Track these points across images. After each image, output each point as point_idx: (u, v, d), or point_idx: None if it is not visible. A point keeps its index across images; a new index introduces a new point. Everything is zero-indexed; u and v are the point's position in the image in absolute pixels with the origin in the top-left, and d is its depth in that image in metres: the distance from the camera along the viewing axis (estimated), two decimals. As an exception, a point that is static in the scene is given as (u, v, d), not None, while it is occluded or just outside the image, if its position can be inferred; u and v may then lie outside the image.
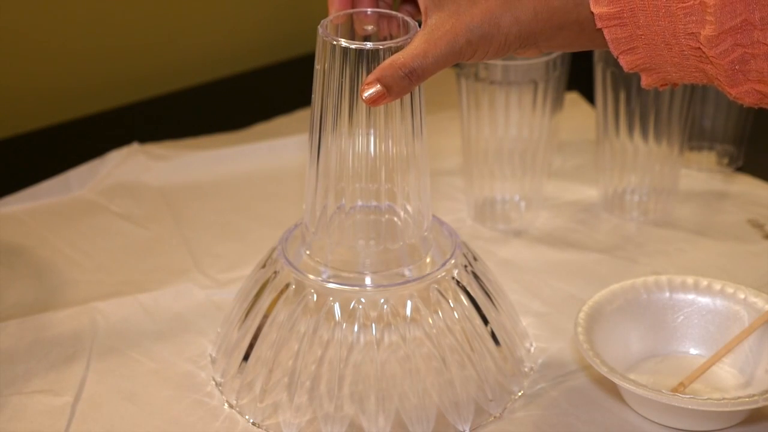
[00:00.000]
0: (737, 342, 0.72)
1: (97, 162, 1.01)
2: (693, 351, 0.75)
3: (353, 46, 0.62)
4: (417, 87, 0.64)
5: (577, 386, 0.73)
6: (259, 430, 0.69)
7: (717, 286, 0.75)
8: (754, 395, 0.66)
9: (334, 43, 0.63)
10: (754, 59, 0.55)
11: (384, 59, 0.62)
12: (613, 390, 0.72)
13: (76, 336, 0.78)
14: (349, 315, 0.67)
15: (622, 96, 0.88)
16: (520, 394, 0.72)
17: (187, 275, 0.86)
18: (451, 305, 0.69)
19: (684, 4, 0.56)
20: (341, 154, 0.66)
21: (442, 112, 1.07)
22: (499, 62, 0.85)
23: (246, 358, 0.71)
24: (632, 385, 0.66)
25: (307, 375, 0.68)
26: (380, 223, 0.68)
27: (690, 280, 0.75)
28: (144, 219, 0.94)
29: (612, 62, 0.88)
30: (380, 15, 0.66)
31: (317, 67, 0.65)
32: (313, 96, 0.66)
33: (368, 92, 0.60)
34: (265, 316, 0.70)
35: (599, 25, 0.58)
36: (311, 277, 0.68)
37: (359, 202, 0.68)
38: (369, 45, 0.62)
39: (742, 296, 0.74)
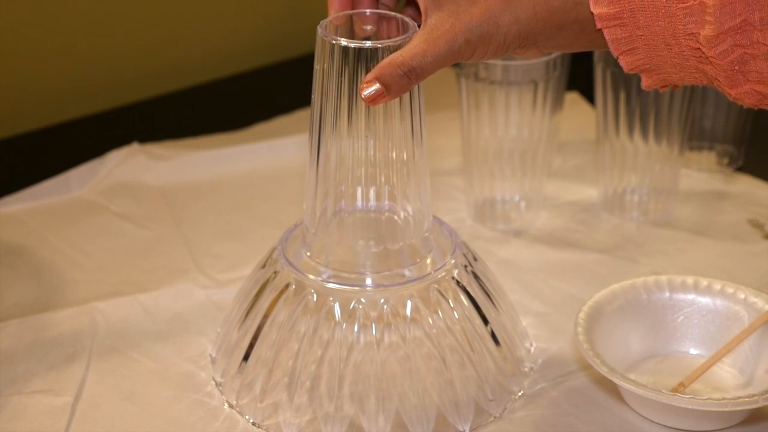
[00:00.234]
0: (737, 342, 0.72)
1: (97, 162, 1.01)
2: (693, 351, 0.75)
3: (352, 45, 0.62)
4: (416, 87, 0.64)
5: (577, 386, 0.73)
6: (259, 430, 0.69)
7: (717, 286, 0.75)
8: (754, 395, 0.66)
9: (333, 42, 0.63)
10: (754, 60, 0.55)
11: (383, 58, 0.62)
12: (613, 390, 0.72)
13: (76, 336, 0.78)
14: (349, 315, 0.67)
15: (622, 96, 0.88)
16: (520, 394, 0.72)
17: (187, 275, 0.86)
18: (451, 305, 0.69)
19: (684, 5, 0.56)
20: (340, 155, 0.66)
21: (442, 112, 1.07)
22: (499, 62, 0.85)
23: (246, 358, 0.71)
24: (632, 385, 0.66)
25: (307, 375, 0.68)
26: (380, 224, 0.68)
27: (690, 280, 0.75)
28: (144, 219, 0.94)
29: (612, 62, 0.88)
30: (379, 16, 0.67)
31: (317, 67, 0.65)
32: (312, 96, 0.66)
33: (367, 91, 0.60)
34: (265, 316, 0.70)
35: (599, 25, 0.58)
36: (311, 277, 0.68)
37: (359, 203, 0.68)
38: (368, 44, 0.62)
39: (742, 296, 0.74)
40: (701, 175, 1.00)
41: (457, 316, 0.69)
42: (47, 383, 0.73)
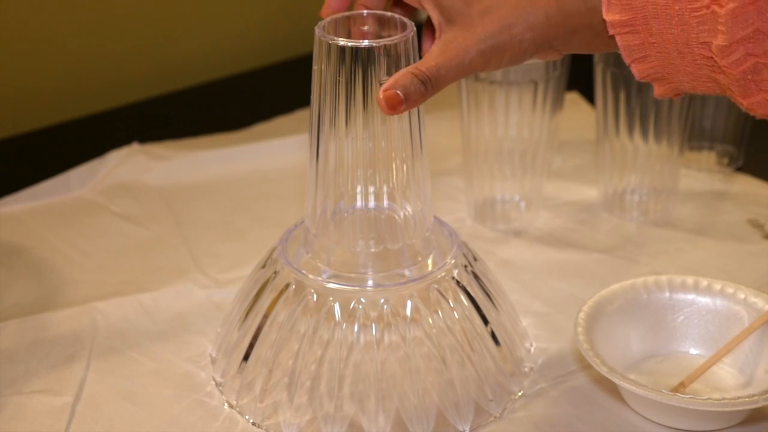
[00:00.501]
0: (737, 342, 0.72)
1: (97, 162, 1.01)
2: (693, 351, 0.75)
3: (349, 45, 0.62)
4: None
5: (577, 386, 0.73)
6: (259, 430, 0.69)
7: (717, 286, 0.75)
8: (754, 395, 0.66)
9: (330, 42, 0.63)
10: (767, 69, 0.55)
11: (380, 58, 0.62)
12: (613, 390, 0.72)
13: (76, 336, 0.78)
14: (349, 315, 0.67)
15: (622, 96, 0.88)
16: (520, 394, 0.72)
17: (187, 275, 0.86)
18: (451, 305, 0.69)
19: (697, 13, 0.55)
20: (339, 155, 0.66)
21: (442, 112, 1.07)
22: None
23: (246, 358, 0.71)
24: (632, 385, 0.66)
25: (307, 375, 0.68)
26: (380, 224, 0.68)
27: (690, 280, 0.75)
28: (144, 219, 0.94)
29: (612, 62, 0.88)
30: (377, 16, 0.67)
31: (315, 67, 0.65)
32: (311, 96, 0.66)
33: (387, 99, 0.60)
34: (265, 316, 0.70)
35: (611, 32, 0.57)
36: (311, 277, 0.68)
37: (359, 203, 0.68)
38: (365, 43, 0.62)
39: (742, 296, 0.74)
40: (701, 175, 1.00)
41: (457, 316, 0.69)
42: (47, 383, 0.73)
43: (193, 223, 0.94)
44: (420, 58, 0.66)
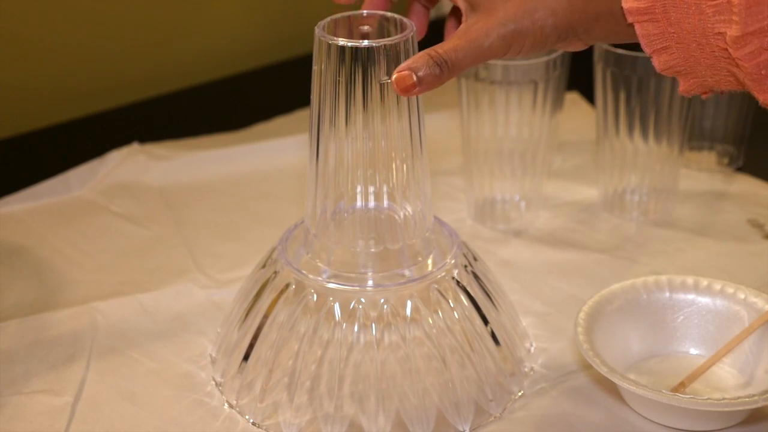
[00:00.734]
0: (737, 342, 0.72)
1: (97, 162, 1.01)
2: (693, 351, 0.75)
3: (349, 45, 0.62)
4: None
5: (577, 386, 0.73)
6: (259, 430, 0.69)
7: (717, 286, 0.75)
8: (754, 395, 0.66)
9: (330, 42, 0.63)
10: None
11: (380, 57, 0.62)
12: (613, 390, 0.72)
13: (76, 336, 0.78)
14: (349, 315, 0.67)
15: (622, 96, 0.88)
16: (520, 394, 0.72)
17: (187, 275, 0.86)
18: (451, 305, 0.69)
19: (713, 2, 0.54)
20: (339, 155, 0.66)
21: (442, 112, 1.07)
22: (499, 62, 0.85)
23: (246, 358, 0.71)
24: (632, 385, 0.66)
25: (307, 375, 0.68)
26: (380, 224, 0.68)
27: (690, 280, 0.75)
28: (144, 219, 0.94)
29: (612, 62, 0.88)
30: (377, 16, 0.67)
31: (315, 67, 0.65)
32: (311, 97, 0.66)
33: (399, 80, 0.60)
34: (265, 316, 0.70)
35: (630, 19, 0.56)
36: (311, 276, 0.68)
37: (359, 203, 0.68)
38: (365, 43, 0.62)
39: (742, 296, 0.74)
40: (701, 175, 1.00)
41: (457, 316, 0.69)
42: (47, 383, 0.73)
43: (193, 223, 0.94)
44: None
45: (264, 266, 0.73)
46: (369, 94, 0.64)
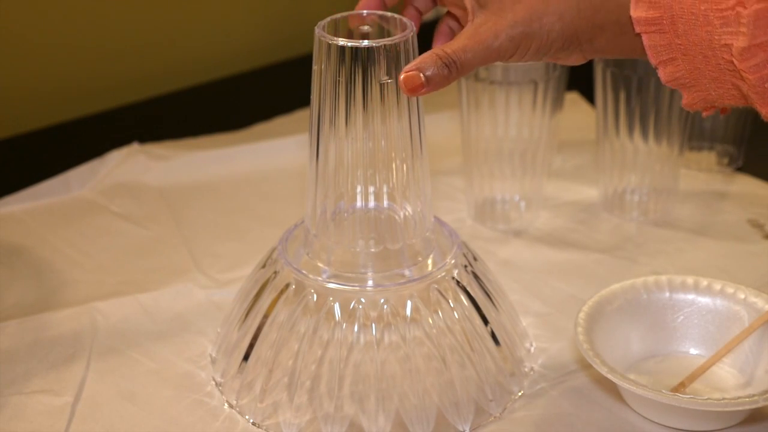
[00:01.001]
0: (737, 342, 0.72)
1: (97, 162, 1.01)
2: (693, 351, 0.75)
3: (349, 45, 0.62)
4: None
5: (577, 386, 0.73)
6: (259, 430, 0.69)
7: (717, 286, 0.75)
8: (754, 395, 0.66)
9: (330, 42, 0.63)
10: None
11: (380, 57, 0.62)
12: (613, 390, 0.72)
13: (76, 336, 0.78)
14: (349, 315, 0.67)
15: (622, 96, 0.88)
16: (520, 394, 0.72)
17: (187, 275, 0.86)
18: (451, 305, 0.69)
19: (721, 14, 0.54)
20: (339, 155, 0.66)
21: (442, 112, 1.07)
22: (499, 63, 0.85)
23: (246, 358, 0.71)
24: (632, 385, 0.66)
25: (307, 375, 0.68)
26: (380, 224, 0.68)
27: (690, 280, 0.75)
28: (144, 219, 0.94)
29: (612, 62, 0.88)
30: (377, 16, 0.67)
31: (315, 67, 0.65)
32: (311, 97, 0.66)
33: (407, 80, 0.60)
34: (265, 316, 0.70)
35: (638, 29, 0.57)
36: (311, 277, 0.68)
37: (359, 203, 0.68)
38: (365, 43, 0.62)
39: (742, 296, 0.74)
40: (701, 175, 1.00)
41: (457, 316, 0.69)
42: (47, 383, 0.73)
43: (193, 223, 0.94)
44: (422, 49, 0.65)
45: (264, 266, 0.73)
46: (369, 94, 0.64)
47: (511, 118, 0.88)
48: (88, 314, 0.80)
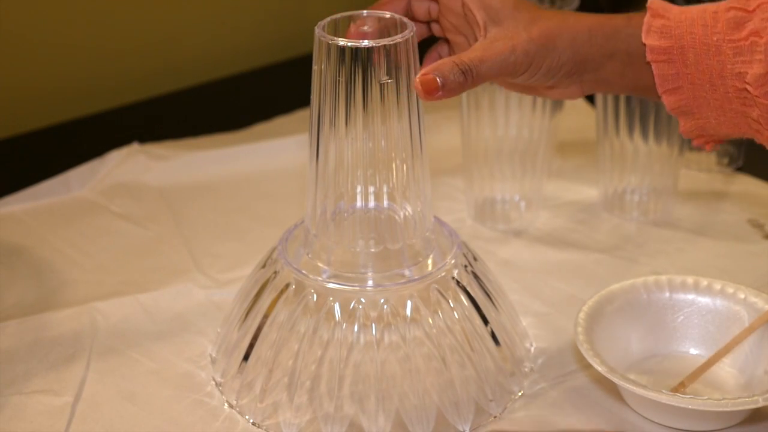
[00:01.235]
0: (737, 342, 0.72)
1: (97, 162, 1.01)
2: (693, 351, 0.75)
3: (349, 45, 0.63)
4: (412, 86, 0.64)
5: (577, 386, 0.73)
6: (259, 430, 0.69)
7: (717, 286, 0.75)
8: (754, 395, 0.66)
9: (330, 42, 0.63)
10: None
11: (379, 57, 0.62)
12: (613, 390, 0.72)
13: (76, 336, 0.78)
14: (349, 315, 0.67)
15: (622, 96, 0.88)
16: (520, 394, 0.72)
17: (187, 275, 0.86)
18: (451, 305, 0.69)
19: (735, 44, 0.55)
20: (339, 155, 0.66)
21: (442, 112, 1.07)
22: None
23: (246, 358, 0.71)
24: (632, 385, 0.66)
25: (307, 375, 0.68)
26: (380, 224, 0.68)
27: (690, 280, 0.75)
28: (144, 219, 0.94)
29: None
30: (377, 16, 0.67)
31: (315, 67, 0.65)
32: (311, 97, 0.66)
33: (424, 83, 0.60)
34: (265, 316, 0.70)
35: (649, 58, 0.58)
36: (311, 277, 0.68)
37: (359, 203, 0.68)
38: (365, 43, 0.62)
39: (742, 296, 0.74)
40: (701, 175, 1.00)
41: (457, 316, 0.69)
42: (47, 383, 0.73)
43: (193, 223, 0.94)
44: (420, 60, 0.66)
45: (264, 266, 0.73)
46: (369, 94, 0.64)
47: (511, 119, 0.88)
48: (88, 314, 0.80)
